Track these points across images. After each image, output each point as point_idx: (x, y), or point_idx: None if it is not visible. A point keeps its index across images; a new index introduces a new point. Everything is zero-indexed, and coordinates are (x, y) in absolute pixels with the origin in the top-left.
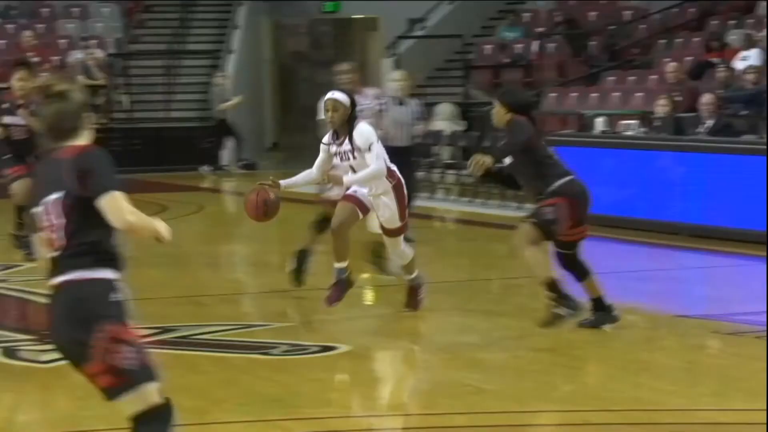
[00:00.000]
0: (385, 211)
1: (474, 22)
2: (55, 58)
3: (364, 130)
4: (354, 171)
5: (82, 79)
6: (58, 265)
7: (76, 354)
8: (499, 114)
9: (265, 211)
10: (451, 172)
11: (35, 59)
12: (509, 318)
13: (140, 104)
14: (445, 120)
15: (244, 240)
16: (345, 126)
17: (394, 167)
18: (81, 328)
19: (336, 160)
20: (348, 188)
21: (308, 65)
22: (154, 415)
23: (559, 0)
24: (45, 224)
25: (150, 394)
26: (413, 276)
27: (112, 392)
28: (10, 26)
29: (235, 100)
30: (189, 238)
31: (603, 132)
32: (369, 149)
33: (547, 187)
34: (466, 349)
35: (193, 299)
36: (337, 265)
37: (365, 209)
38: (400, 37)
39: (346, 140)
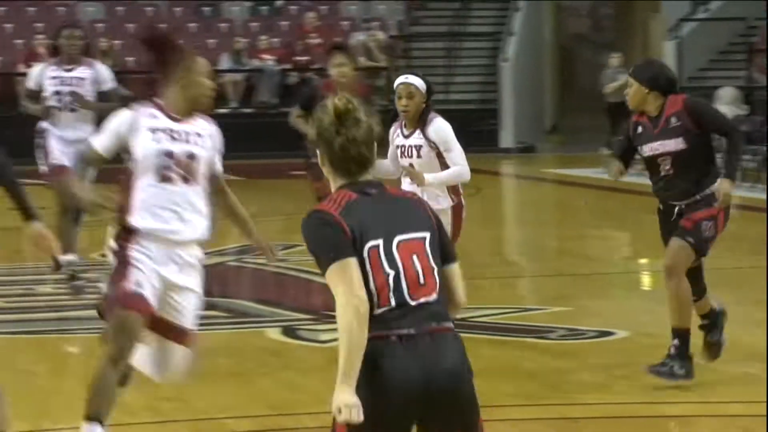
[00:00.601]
0: None
1: (758, 4)
2: (338, 39)
3: (443, 126)
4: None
5: (363, 60)
6: (428, 312)
7: (460, 414)
8: (637, 95)
9: None
10: None
11: (317, 41)
12: None
13: None
14: (727, 104)
15: (520, 223)
16: (417, 117)
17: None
18: (472, 388)
19: (395, 154)
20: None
21: (589, 47)
22: None
23: None
24: (401, 263)
25: None
26: None
27: None
28: (293, 8)
29: (619, 82)
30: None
31: None
32: (451, 148)
33: (700, 189)
34: (743, 339)
35: (471, 282)
36: None
37: None
38: (683, 20)
39: (416, 133)
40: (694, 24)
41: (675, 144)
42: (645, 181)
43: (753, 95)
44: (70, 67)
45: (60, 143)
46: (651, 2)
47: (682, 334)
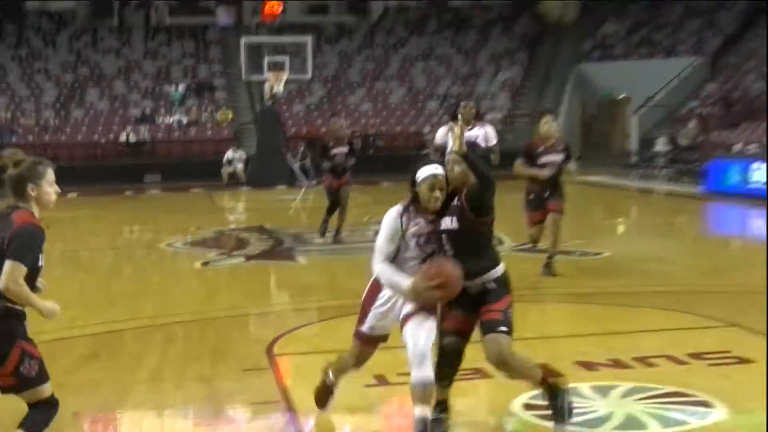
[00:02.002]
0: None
1: (681, 95)
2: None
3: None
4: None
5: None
6: None
7: None
8: (461, 175)
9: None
10: None
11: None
12: None
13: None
14: (665, 145)
15: (570, 205)
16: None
17: None
18: None
19: (410, 244)
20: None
21: (599, 120)
22: None
23: None
24: None
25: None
26: (333, 378)
27: None
28: None
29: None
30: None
31: None
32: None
33: (488, 269)
34: None
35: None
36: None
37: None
38: (640, 107)
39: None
40: (646, 108)
41: (450, 223)
42: (607, 180)
43: None
44: (468, 127)
45: None
46: (626, 98)
47: (547, 387)
